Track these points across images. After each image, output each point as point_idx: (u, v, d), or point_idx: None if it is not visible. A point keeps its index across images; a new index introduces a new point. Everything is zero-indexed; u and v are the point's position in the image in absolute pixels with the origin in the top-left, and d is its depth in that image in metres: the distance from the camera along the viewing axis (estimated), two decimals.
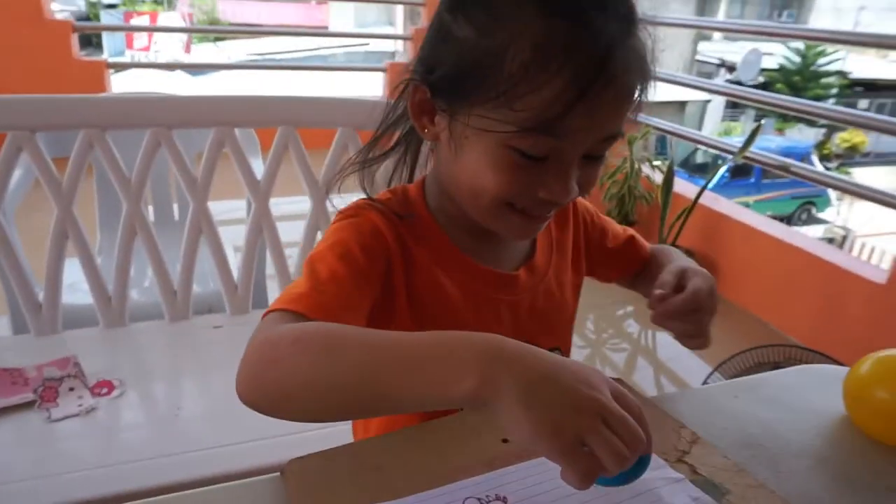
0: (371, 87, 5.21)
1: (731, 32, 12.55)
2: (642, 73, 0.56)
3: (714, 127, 15.81)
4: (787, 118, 14.35)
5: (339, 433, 1.01)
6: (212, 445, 1.01)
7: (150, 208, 1.82)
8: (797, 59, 15.82)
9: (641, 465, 0.45)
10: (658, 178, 3.08)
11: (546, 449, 0.41)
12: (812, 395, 0.69)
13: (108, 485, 0.91)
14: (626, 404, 0.43)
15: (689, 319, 0.65)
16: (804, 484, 0.56)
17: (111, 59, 5.03)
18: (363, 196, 0.69)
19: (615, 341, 2.57)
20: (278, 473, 0.51)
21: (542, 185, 0.58)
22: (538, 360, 0.43)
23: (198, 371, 1.25)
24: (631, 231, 0.83)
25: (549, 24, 0.52)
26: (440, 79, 0.58)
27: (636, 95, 0.57)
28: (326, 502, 0.48)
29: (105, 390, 1.11)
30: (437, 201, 0.68)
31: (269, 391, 0.49)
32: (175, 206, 1.84)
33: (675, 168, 2.96)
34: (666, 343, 2.60)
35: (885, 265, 2.20)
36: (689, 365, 2.37)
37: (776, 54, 15.72)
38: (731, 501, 0.51)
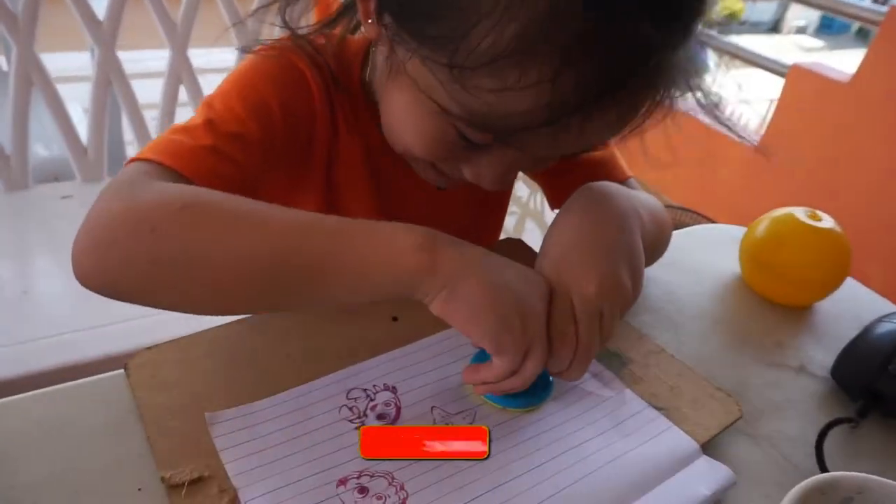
0: None
1: None
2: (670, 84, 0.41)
3: None
4: None
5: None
6: (65, 330, 0.90)
7: None
8: None
9: (546, 391, 0.45)
10: None
11: (487, 336, 0.38)
12: (709, 255, 0.68)
13: None
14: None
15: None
16: (701, 345, 0.55)
17: None
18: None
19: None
20: (122, 371, 0.42)
21: (471, 166, 0.46)
22: (484, 252, 0.40)
23: (44, 247, 1.09)
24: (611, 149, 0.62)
25: (561, 7, 0.34)
26: None
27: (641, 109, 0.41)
28: (178, 402, 0.40)
29: None
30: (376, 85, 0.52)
31: (135, 269, 0.37)
32: (1, 58, 1.55)
33: None
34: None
35: (755, 129, 2.30)
36: None
37: None
38: (632, 370, 0.49)
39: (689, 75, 0.42)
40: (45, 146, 1.39)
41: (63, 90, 1.16)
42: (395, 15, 0.40)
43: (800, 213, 0.60)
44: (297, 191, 0.55)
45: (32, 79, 1.12)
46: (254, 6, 1.23)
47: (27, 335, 0.90)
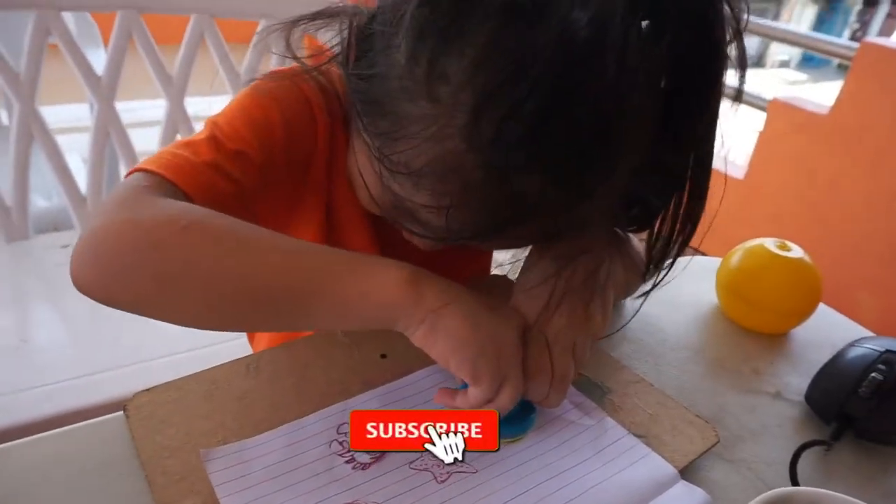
0: None
1: None
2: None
3: None
4: None
5: (213, 353, 0.95)
6: (65, 378, 0.91)
7: None
8: None
9: (527, 422, 0.46)
10: None
11: (465, 365, 0.41)
12: (688, 287, 0.70)
13: None
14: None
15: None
16: (681, 374, 0.57)
17: None
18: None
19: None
20: (122, 412, 0.44)
21: (406, 231, 0.47)
22: (465, 290, 0.43)
23: (44, 297, 1.11)
24: None
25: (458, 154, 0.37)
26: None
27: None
28: (176, 442, 0.42)
29: None
30: None
31: (136, 283, 0.38)
32: (3, 112, 1.59)
33: None
34: None
35: (740, 162, 2.36)
36: None
37: None
38: (611, 400, 0.51)
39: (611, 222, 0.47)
40: (44, 196, 1.42)
41: (62, 140, 1.20)
42: (356, 85, 0.42)
43: (770, 243, 0.63)
44: (296, 211, 0.56)
45: (33, 133, 1.15)
46: (252, 42, 1.26)
47: (26, 383, 0.91)
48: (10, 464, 0.42)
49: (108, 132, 1.20)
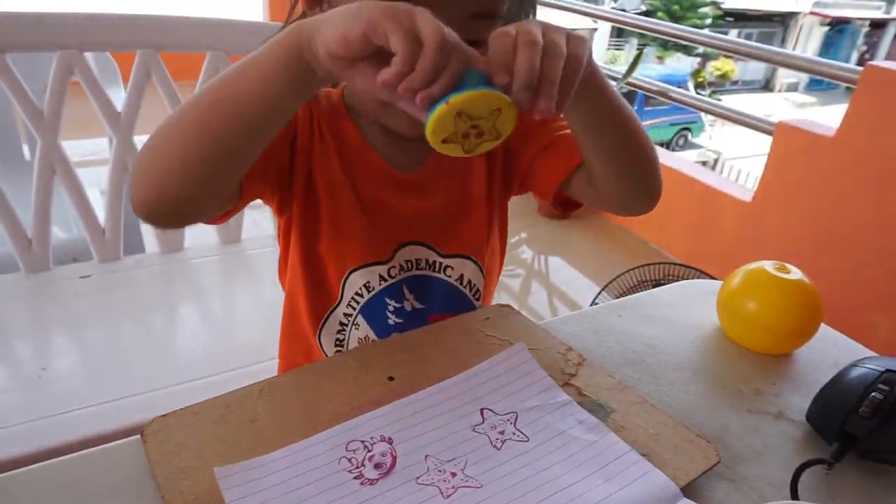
0: (248, 8, 4.82)
1: None
2: None
3: (600, 55, 16.19)
4: (667, 46, 14.96)
5: (225, 380, 0.96)
6: (84, 405, 0.93)
7: None
8: None
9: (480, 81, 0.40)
10: None
11: (360, 21, 0.38)
12: (690, 310, 0.72)
13: None
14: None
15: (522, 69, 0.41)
16: (682, 395, 0.58)
17: None
18: None
19: (510, 268, 2.63)
20: (139, 436, 0.46)
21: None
22: None
23: (64, 326, 1.13)
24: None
25: None
26: None
27: None
28: (191, 464, 0.44)
29: None
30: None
31: (153, 175, 0.48)
32: (25, 147, 1.64)
33: None
34: (557, 267, 2.70)
35: (751, 185, 2.37)
36: (579, 286, 2.48)
37: None
38: (615, 419, 0.52)
39: None
40: (64, 229, 1.46)
41: (81, 174, 1.24)
42: None
43: (769, 266, 0.64)
44: (284, 193, 0.64)
45: (55, 167, 1.20)
46: None
47: (46, 411, 0.93)
48: (30, 487, 0.43)
49: (127, 165, 1.24)
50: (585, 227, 3.00)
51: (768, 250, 2.30)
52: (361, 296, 0.66)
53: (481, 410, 0.50)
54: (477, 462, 0.46)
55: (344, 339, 0.68)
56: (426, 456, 0.46)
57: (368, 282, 0.66)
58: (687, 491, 0.46)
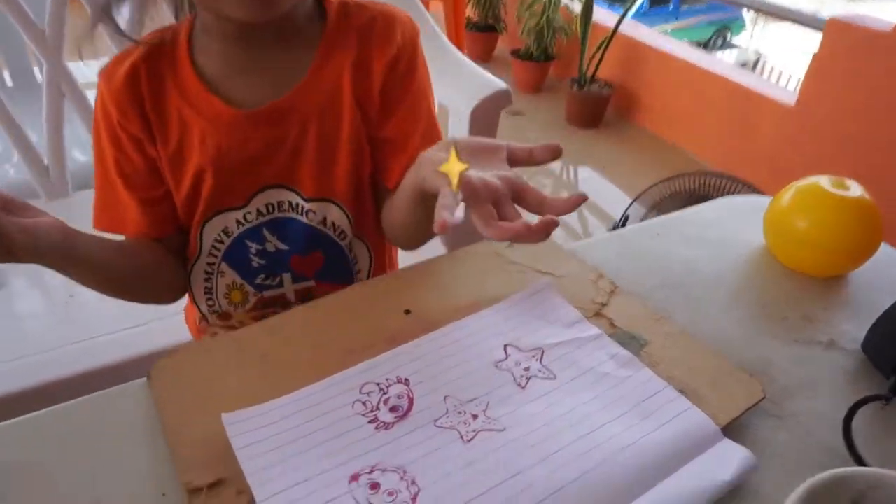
0: None
1: None
2: None
3: None
4: None
5: None
6: (112, 331, 0.93)
7: (6, 73, 1.59)
8: None
9: None
10: (577, 7, 2.92)
11: None
12: (733, 228, 0.66)
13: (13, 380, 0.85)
14: None
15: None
16: (723, 323, 0.54)
17: None
18: None
19: (537, 178, 2.56)
20: (144, 379, 0.44)
21: None
22: None
23: None
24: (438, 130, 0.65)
25: None
26: None
27: None
28: (199, 404, 0.42)
29: None
30: (200, 19, 0.60)
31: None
32: (37, 70, 1.61)
33: None
34: (586, 177, 2.62)
35: (793, 88, 2.22)
36: (610, 197, 2.40)
37: None
38: (649, 353, 0.48)
39: None
40: (83, 151, 1.43)
41: (92, 96, 1.20)
42: None
43: (825, 181, 0.57)
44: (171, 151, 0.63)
45: (63, 89, 1.15)
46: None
47: (75, 337, 0.94)
48: (36, 431, 0.42)
49: None
50: (616, 135, 2.88)
51: (811, 159, 2.18)
52: (222, 242, 0.65)
53: (504, 346, 0.47)
54: (499, 402, 0.43)
55: (212, 288, 0.68)
56: (445, 397, 0.43)
57: (226, 227, 0.64)
58: (728, 430, 0.43)
